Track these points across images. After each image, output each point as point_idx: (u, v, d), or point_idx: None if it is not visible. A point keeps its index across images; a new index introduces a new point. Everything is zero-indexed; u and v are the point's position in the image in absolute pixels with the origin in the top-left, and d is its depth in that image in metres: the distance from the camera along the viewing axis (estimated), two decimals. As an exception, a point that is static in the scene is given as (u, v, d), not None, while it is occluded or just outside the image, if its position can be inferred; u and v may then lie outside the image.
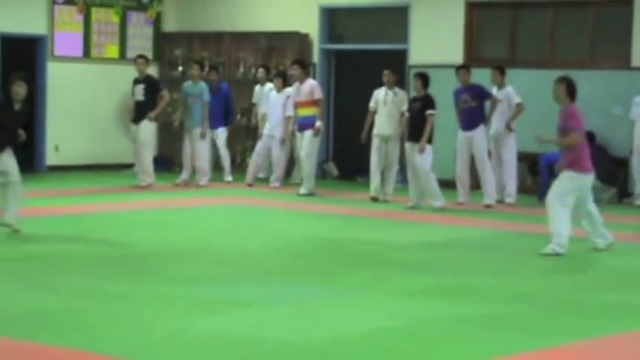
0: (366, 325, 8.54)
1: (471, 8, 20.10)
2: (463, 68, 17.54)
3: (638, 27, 18.50)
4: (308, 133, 18.06)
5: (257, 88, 20.14)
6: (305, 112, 18.21)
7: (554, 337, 8.26)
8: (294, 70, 18.51)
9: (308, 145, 18.05)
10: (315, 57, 21.61)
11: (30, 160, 21.02)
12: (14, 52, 20.75)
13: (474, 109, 17.02)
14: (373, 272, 11.08)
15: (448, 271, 11.26)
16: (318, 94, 18.38)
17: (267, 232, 14.13)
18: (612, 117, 18.52)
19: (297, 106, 18.35)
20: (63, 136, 21.21)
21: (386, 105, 17.54)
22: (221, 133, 19.89)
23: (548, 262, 12.04)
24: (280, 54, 21.40)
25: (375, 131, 17.58)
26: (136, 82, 18.60)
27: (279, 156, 19.18)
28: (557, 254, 12.00)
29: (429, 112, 16.18)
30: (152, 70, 21.90)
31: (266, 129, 19.33)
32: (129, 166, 19.28)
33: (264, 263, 11.61)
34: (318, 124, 18.16)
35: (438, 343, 8.02)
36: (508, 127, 17.50)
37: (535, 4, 19.67)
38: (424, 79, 16.47)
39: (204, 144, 19.24)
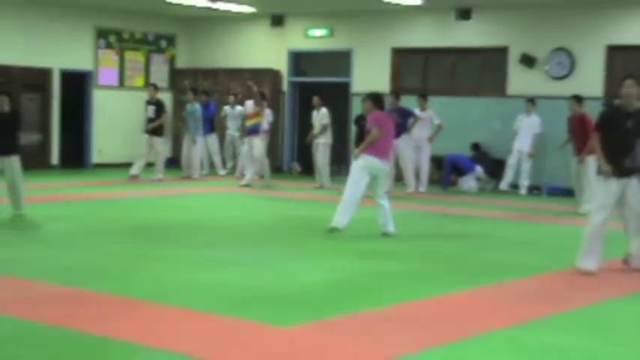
0: (321, 276, 8.61)
1: (395, 52, 20.15)
2: (393, 95, 17.31)
3: (512, 68, 18.64)
4: (256, 138, 17.52)
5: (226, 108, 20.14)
6: (251, 122, 17.72)
7: (454, 285, 8.35)
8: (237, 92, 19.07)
9: (259, 147, 17.47)
10: (285, 87, 21.62)
11: (81, 160, 21.03)
12: (70, 83, 20.73)
13: (399, 125, 16.76)
14: (325, 240, 11.09)
15: (379, 239, 11.28)
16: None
17: (249, 211, 14.12)
18: (494, 130, 18.65)
19: (246, 118, 18.05)
20: (104, 142, 21.18)
21: (314, 121, 17.63)
22: (210, 138, 19.86)
23: (445, 232, 12.12)
24: (259, 85, 21.36)
25: (319, 139, 17.68)
26: (148, 103, 18.45)
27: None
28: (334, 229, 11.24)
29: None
30: (167, 97, 21.93)
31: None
32: (150, 164, 19.23)
33: (247, 233, 11.59)
34: (266, 127, 17.72)
35: (371, 290, 8.10)
36: (430, 140, 17.64)
37: (441, 51, 19.70)
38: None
39: (196, 148, 19.15)
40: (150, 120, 18.29)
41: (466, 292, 8.11)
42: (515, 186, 17.90)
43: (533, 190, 17.71)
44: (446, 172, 18.24)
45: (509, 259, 10.10)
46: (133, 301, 7.31)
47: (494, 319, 7.08)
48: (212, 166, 20.18)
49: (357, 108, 19.90)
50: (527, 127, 17.65)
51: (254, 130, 17.58)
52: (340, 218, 11.30)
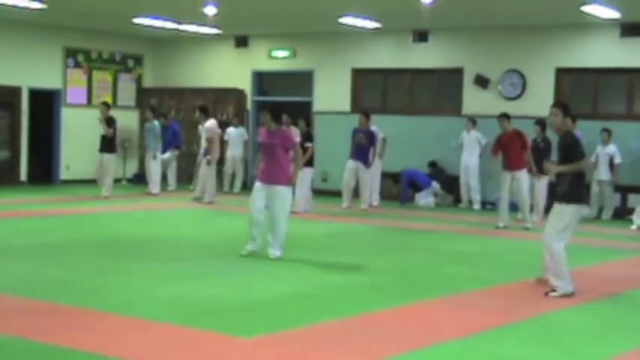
0: (282, 288, 8.58)
1: (355, 73, 20.22)
2: (363, 114, 16.85)
3: (467, 88, 18.78)
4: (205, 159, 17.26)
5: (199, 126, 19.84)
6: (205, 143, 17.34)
7: (412, 297, 8.35)
8: (198, 114, 17.73)
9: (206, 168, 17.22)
10: (249, 106, 21.60)
11: (49, 176, 20.84)
12: (39, 101, 20.56)
13: (364, 146, 16.60)
14: (288, 253, 11.04)
15: (339, 253, 11.25)
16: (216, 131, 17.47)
17: (211, 225, 14.05)
18: (450, 148, 18.75)
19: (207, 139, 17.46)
20: (72, 159, 21.01)
21: None
22: (167, 155, 19.62)
23: (402, 246, 12.13)
24: (224, 104, 21.35)
25: None
26: (100, 121, 17.77)
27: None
28: None
29: (307, 144, 15.52)
30: (134, 115, 21.89)
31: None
32: (118, 181, 19.06)
33: (209, 247, 11.50)
34: (208, 156, 17.10)
35: (331, 301, 8.09)
36: (380, 156, 17.67)
37: (399, 71, 19.80)
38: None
39: (155, 163, 18.83)
40: (102, 137, 17.81)
41: (423, 304, 8.12)
42: (470, 202, 18.03)
43: (487, 204, 17.81)
44: (404, 187, 18.29)
45: (464, 271, 10.13)
46: (98, 313, 7.23)
47: (450, 330, 7.08)
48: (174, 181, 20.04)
49: (321, 125, 19.97)
50: (469, 143, 17.87)
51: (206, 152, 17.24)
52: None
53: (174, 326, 6.82)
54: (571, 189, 8.40)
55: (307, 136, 15.68)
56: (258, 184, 10.53)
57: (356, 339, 6.62)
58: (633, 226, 14.89)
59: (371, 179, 17.55)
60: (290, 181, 10.62)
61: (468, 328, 7.10)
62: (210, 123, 17.15)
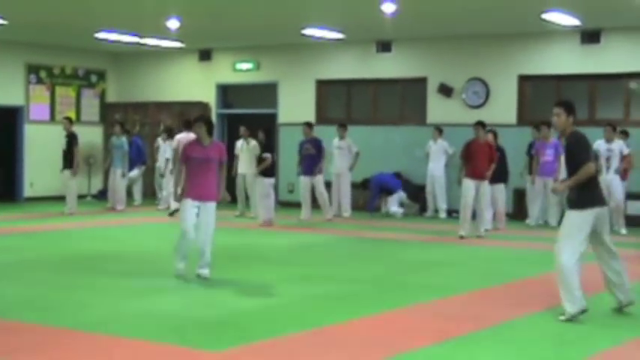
0: (252, 302, 8.54)
1: (319, 84, 20.23)
2: (307, 125, 17.19)
3: (431, 97, 18.85)
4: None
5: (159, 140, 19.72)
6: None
7: (380, 306, 8.34)
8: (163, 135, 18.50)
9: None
10: (214, 119, 21.51)
11: (12, 193, 20.63)
12: (1, 118, 20.42)
13: (313, 156, 16.72)
14: (255, 265, 11.04)
15: (306, 264, 11.26)
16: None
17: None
18: (415, 158, 18.79)
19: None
20: (36, 176, 20.78)
21: (243, 152, 17.45)
22: (135, 173, 19.56)
23: (371, 256, 12.12)
24: (188, 117, 21.22)
25: (238, 170, 17.48)
26: (66, 136, 17.56)
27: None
28: None
29: (265, 154, 15.65)
30: (98, 130, 21.77)
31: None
32: (83, 197, 18.92)
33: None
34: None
35: (300, 313, 8.05)
36: (350, 169, 17.71)
37: (363, 82, 19.83)
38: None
39: (122, 180, 18.71)
40: (64, 153, 17.59)
41: (393, 313, 8.12)
42: (436, 210, 18.08)
43: (453, 213, 17.85)
44: (373, 193, 18.15)
45: (431, 280, 10.14)
46: (63, 330, 7.14)
47: (419, 337, 7.07)
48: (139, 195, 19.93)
49: (286, 137, 19.97)
50: (436, 152, 17.94)
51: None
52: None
53: (142, 342, 6.75)
54: (578, 193, 7.66)
55: (266, 147, 15.74)
56: (189, 201, 9.75)
57: (327, 349, 6.59)
58: None
59: (339, 190, 17.60)
60: (219, 198, 10.03)
61: (438, 336, 7.09)
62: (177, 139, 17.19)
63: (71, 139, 17.51)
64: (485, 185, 14.31)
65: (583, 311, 7.57)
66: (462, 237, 14.04)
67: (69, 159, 17.50)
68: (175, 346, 6.62)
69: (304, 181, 16.92)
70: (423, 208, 18.46)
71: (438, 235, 14.82)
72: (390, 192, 18.16)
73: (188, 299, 8.65)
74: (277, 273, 10.35)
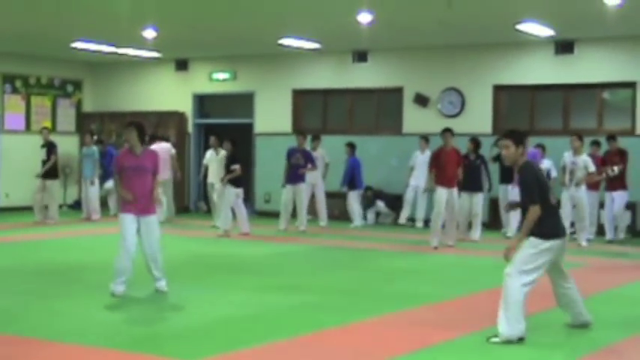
0: (227, 311, 8.53)
1: (295, 94, 20.26)
2: (301, 135, 17.06)
3: (406, 107, 18.92)
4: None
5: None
6: None
7: (356, 315, 8.35)
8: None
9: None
10: (190, 128, 21.52)
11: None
12: (-24, 128, 20.26)
13: (302, 166, 16.62)
14: (230, 275, 11.03)
15: (282, 274, 11.27)
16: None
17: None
18: (390, 167, 18.87)
19: None
20: (11, 186, 20.62)
21: (212, 162, 17.37)
22: (110, 184, 19.38)
23: (346, 265, 12.13)
24: (165, 126, 21.20)
25: (208, 180, 17.41)
26: (42, 146, 17.67)
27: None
28: None
29: (234, 166, 15.37)
30: (73, 140, 21.68)
31: None
32: (59, 207, 18.78)
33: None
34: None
35: (277, 323, 8.05)
36: (323, 177, 17.73)
37: (339, 91, 19.87)
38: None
39: (94, 189, 18.64)
40: (43, 162, 17.60)
41: (369, 321, 8.14)
42: (412, 219, 18.09)
43: (429, 222, 17.86)
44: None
45: (407, 288, 10.17)
46: (40, 341, 7.11)
47: (396, 345, 7.10)
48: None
49: (262, 147, 19.98)
50: (422, 163, 17.86)
51: None
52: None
53: (119, 352, 6.73)
54: (540, 223, 7.21)
55: (232, 158, 15.54)
56: (129, 216, 9.29)
57: (303, 358, 6.60)
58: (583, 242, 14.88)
59: (317, 200, 17.57)
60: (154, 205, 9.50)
61: (413, 344, 7.12)
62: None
63: (50, 148, 17.53)
64: (455, 193, 14.30)
65: (520, 339, 7.10)
66: (435, 248, 13.98)
67: (48, 169, 17.52)
68: (151, 356, 6.61)
69: (288, 190, 16.72)
70: (398, 217, 18.49)
71: (415, 244, 14.84)
72: (353, 185, 18.01)
73: (162, 309, 8.64)
74: (253, 283, 10.35)
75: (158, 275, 9.56)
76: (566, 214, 14.33)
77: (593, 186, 15.36)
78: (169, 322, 7.95)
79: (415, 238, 15.69)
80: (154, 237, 9.48)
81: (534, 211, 7.15)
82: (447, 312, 8.74)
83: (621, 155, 15.43)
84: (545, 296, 7.73)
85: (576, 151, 14.82)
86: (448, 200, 14.12)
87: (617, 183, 15.31)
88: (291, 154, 16.84)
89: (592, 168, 14.76)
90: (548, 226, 7.24)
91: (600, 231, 15.82)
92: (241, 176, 15.71)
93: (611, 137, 15.69)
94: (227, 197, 15.54)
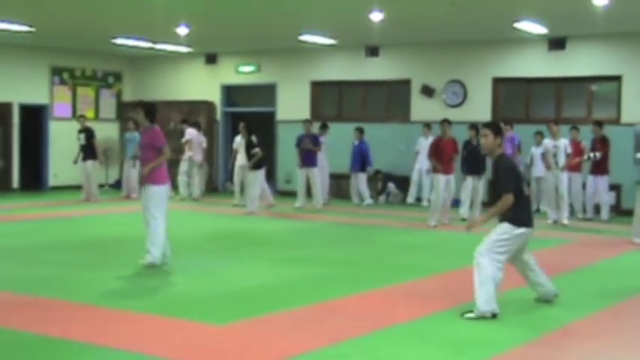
0: (252, 281, 8.56)
1: (313, 85, 20.23)
2: (308, 122, 17.14)
3: (414, 97, 18.86)
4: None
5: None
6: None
7: (367, 285, 8.38)
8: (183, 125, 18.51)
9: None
10: (219, 116, 21.52)
11: (39, 183, 20.62)
12: (29, 116, 20.35)
13: (312, 152, 16.57)
14: (256, 248, 11.05)
15: (300, 247, 11.28)
16: (187, 137, 18.25)
17: (188, 225, 13.96)
18: (399, 151, 18.83)
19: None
20: (60, 167, 20.72)
21: (241, 146, 17.26)
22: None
23: (358, 240, 12.14)
24: (196, 114, 21.21)
25: (237, 163, 17.39)
26: (80, 132, 17.79)
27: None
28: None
29: (254, 150, 15.34)
30: (114, 127, 21.75)
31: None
32: (101, 186, 18.85)
33: (187, 244, 11.44)
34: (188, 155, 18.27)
35: (298, 292, 8.07)
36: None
37: (353, 83, 19.83)
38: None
39: (134, 170, 18.44)
40: (82, 147, 17.72)
41: (378, 291, 8.15)
42: (419, 199, 18.09)
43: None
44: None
45: (412, 261, 10.17)
46: (83, 305, 7.17)
47: (400, 313, 7.12)
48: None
49: (284, 133, 19.99)
50: (426, 147, 17.82)
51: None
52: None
53: (153, 316, 6.78)
54: (514, 211, 7.09)
55: (250, 144, 15.44)
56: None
57: (321, 324, 6.64)
58: (549, 220, 14.84)
59: (324, 181, 17.57)
60: (161, 180, 9.18)
61: (417, 312, 7.14)
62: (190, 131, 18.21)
63: (89, 134, 17.64)
64: (452, 178, 14.25)
65: (494, 315, 6.90)
66: (435, 226, 13.88)
67: (88, 151, 17.67)
68: (184, 320, 6.66)
69: (302, 172, 16.79)
70: (406, 197, 18.49)
71: (421, 221, 14.80)
72: (363, 167, 18.00)
73: (196, 278, 8.67)
74: (275, 255, 10.38)
75: (146, 247, 9.14)
76: (549, 194, 14.67)
77: (575, 168, 15.30)
78: (200, 290, 7.98)
79: (421, 216, 15.66)
80: (146, 205, 9.21)
81: (507, 198, 7.01)
82: (446, 283, 8.75)
83: (602, 142, 15.34)
84: (515, 274, 7.64)
85: (554, 136, 14.72)
86: (446, 185, 14.15)
87: (601, 168, 15.24)
88: (301, 139, 16.82)
89: (569, 150, 14.72)
90: (521, 215, 7.12)
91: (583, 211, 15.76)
92: (263, 157, 15.60)
93: (597, 124, 15.59)
94: (251, 180, 15.54)
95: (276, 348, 5.89)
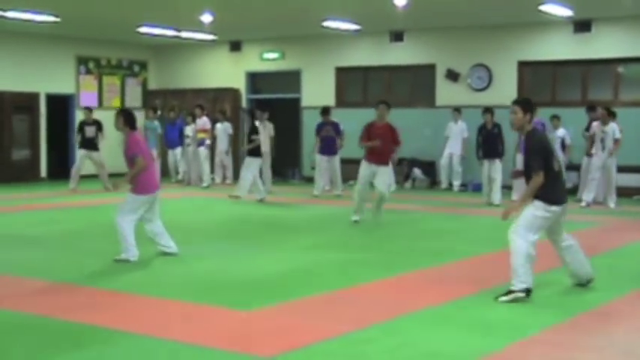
0: (278, 267, 8.52)
1: (338, 71, 20.16)
2: (325, 112, 16.61)
3: (439, 82, 18.75)
4: (201, 148, 18.37)
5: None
6: (201, 135, 18.44)
7: (394, 270, 8.32)
8: (198, 110, 18.59)
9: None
10: (244, 103, 21.52)
11: (66, 172, 20.61)
12: (55, 105, 20.46)
13: (332, 138, 16.31)
14: (278, 234, 11.04)
15: (324, 233, 11.22)
16: (208, 126, 18.48)
17: (209, 212, 13.96)
18: (425, 136, 18.74)
19: (197, 132, 18.55)
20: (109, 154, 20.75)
21: (260, 133, 17.12)
22: (178, 151, 19.50)
23: (385, 225, 12.05)
24: (221, 101, 21.24)
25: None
26: (85, 124, 17.44)
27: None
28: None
29: (254, 136, 15.17)
30: (140, 115, 21.68)
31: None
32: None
33: (209, 231, 11.46)
34: (208, 142, 18.49)
35: (323, 277, 8.03)
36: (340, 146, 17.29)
37: (378, 68, 19.75)
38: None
39: (158, 160, 18.41)
40: (91, 139, 17.37)
41: (405, 276, 8.09)
42: (450, 184, 17.99)
43: (461, 186, 17.79)
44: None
45: (441, 246, 10.11)
46: (112, 292, 7.18)
47: (428, 298, 7.06)
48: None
49: (308, 119, 19.94)
50: (456, 132, 17.77)
51: (202, 143, 18.49)
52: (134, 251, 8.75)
53: (178, 302, 6.78)
54: (546, 188, 6.91)
55: (253, 129, 15.34)
56: None
57: (346, 309, 6.59)
58: (582, 203, 14.69)
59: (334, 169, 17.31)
60: (141, 190, 8.73)
61: (445, 296, 7.07)
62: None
63: (99, 126, 17.44)
64: (390, 170, 12.65)
65: (528, 290, 6.81)
66: (356, 222, 12.06)
67: (96, 143, 17.45)
68: (211, 305, 6.64)
69: (322, 159, 16.52)
70: (433, 182, 18.41)
71: (448, 206, 14.75)
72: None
73: (221, 265, 8.65)
74: (300, 241, 10.34)
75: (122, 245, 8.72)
76: (595, 180, 14.62)
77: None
78: (226, 276, 7.96)
79: (449, 201, 15.60)
80: (121, 205, 8.87)
81: (538, 178, 6.86)
82: (476, 267, 8.68)
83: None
84: (549, 256, 7.56)
85: (604, 122, 14.54)
86: (374, 175, 11.86)
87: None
88: (321, 127, 16.56)
89: (618, 135, 14.50)
90: (552, 192, 6.94)
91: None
92: (258, 148, 15.28)
93: (591, 108, 15.41)
94: (247, 166, 15.26)
95: (302, 333, 5.86)
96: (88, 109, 18.05)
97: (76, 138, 18.02)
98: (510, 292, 6.85)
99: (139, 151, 8.71)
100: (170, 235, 9.16)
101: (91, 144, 17.51)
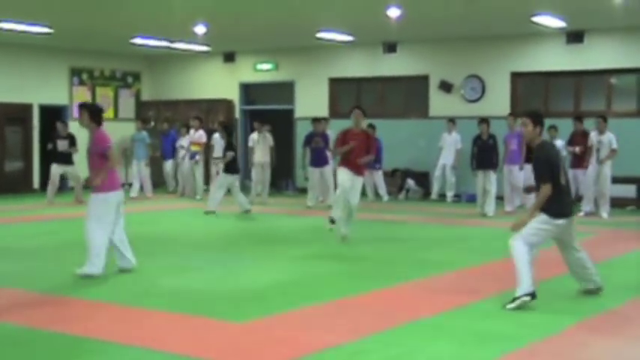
0: (271, 278, 8.50)
1: (332, 82, 20.19)
2: (319, 120, 16.67)
3: (432, 93, 18.79)
4: (192, 161, 18.37)
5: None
6: (194, 148, 18.38)
7: (388, 281, 8.31)
8: (196, 121, 18.51)
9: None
10: (237, 114, 21.53)
11: (62, 183, 20.60)
12: (48, 116, 20.34)
13: (321, 149, 16.22)
14: (272, 245, 11.01)
15: (318, 244, 11.16)
16: (204, 139, 18.36)
17: (202, 224, 13.92)
18: (418, 147, 18.76)
19: (191, 144, 18.47)
20: (80, 168, 20.64)
21: (259, 143, 17.25)
22: (169, 163, 19.52)
23: (378, 236, 12.06)
24: (215, 113, 21.25)
25: (255, 160, 17.34)
26: (58, 137, 16.96)
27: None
28: None
29: (229, 153, 14.72)
30: (133, 126, 21.67)
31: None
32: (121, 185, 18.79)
33: (202, 243, 11.44)
34: (198, 157, 18.32)
35: (317, 288, 8.03)
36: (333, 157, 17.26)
37: (371, 79, 19.77)
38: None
39: (148, 170, 18.65)
40: (63, 153, 16.95)
41: (399, 287, 8.08)
42: (442, 195, 17.97)
43: (454, 197, 17.80)
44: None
45: (434, 256, 10.10)
46: (106, 304, 7.15)
47: (422, 309, 7.05)
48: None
49: (302, 130, 19.95)
50: (450, 143, 17.77)
51: (192, 156, 18.39)
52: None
53: (173, 314, 6.76)
54: (550, 202, 7.00)
55: (228, 145, 14.99)
56: None
57: (341, 320, 6.58)
58: (581, 213, 14.72)
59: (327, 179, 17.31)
60: (106, 186, 8.37)
61: (439, 307, 7.07)
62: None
63: (72, 141, 17.03)
64: (361, 180, 11.21)
65: (533, 294, 6.89)
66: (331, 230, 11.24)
67: (70, 157, 17.07)
68: (204, 317, 6.62)
69: (314, 172, 16.40)
70: (426, 193, 18.41)
71: (441, 216, 14.75)
72: (378, 159, 17.75)
73: (213, 277, 8.62)
74: (293, 252, 10.32)
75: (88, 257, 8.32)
76: (590, 191, 14.73)
77: (580, 164, 15.12)
78: (218, 288, 7.94)
79: (443, 211, 15.60)
80: (87, 216, 8.44)
81: (545, 190, 6.98)
82: (469, 278, 8.67)
83: (582, 137, 15.15)
84: (545, 265, 7.57)
85: (601, 131, 14.63)
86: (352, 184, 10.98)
87: (581, 162, 15.08)
88: (310, 138, 16.50)
89: (614, 145, 14.60)
90: (558, 205, 7.03)
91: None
92: (235, 162, 14.95)
93: (578, 119, 15.46)
94: (221, 182, 14.95)
95: (297, 344, 5.84)
96: (63, 123, 17.52)
97: (48, 146, 17.50)
98: (516, 298, 6.92)
99: (110, 144, 8.40)
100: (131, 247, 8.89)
101: (64, 158, 17.08)
